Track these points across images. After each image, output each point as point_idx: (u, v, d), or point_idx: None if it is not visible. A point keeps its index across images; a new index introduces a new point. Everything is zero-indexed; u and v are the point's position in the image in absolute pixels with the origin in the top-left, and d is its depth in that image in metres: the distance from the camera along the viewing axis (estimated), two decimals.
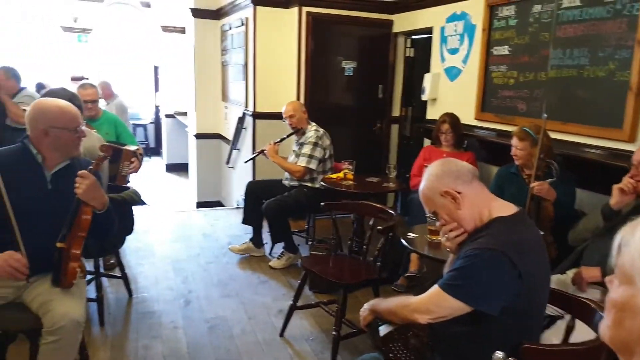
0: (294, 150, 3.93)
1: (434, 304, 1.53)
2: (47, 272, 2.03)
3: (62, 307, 1.94)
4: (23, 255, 1.91)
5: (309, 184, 3.81)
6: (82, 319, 1.97)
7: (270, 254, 4.13)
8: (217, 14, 6.10)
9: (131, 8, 9.80)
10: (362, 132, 5.20)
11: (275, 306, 3.29)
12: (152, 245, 4.35)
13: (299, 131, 3.87)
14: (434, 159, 3.57)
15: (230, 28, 5.65)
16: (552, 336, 1.98)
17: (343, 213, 3.48)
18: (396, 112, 5.24)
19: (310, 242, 3.99)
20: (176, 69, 8.45)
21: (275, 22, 4.90)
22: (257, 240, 4.11)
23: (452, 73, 4.14)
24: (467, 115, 3.85)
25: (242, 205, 5.40)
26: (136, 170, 3.79)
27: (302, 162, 3.76)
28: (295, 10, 4.75)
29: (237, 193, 5.85)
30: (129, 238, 3.22)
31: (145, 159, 5.23)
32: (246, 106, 5.27)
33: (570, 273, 2.34)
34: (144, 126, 10.06)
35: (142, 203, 3.06)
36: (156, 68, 9.97)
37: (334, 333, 2.60)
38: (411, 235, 2.57)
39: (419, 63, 4.93)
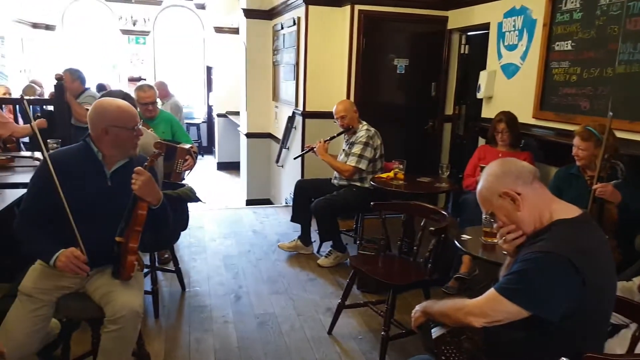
0: (343, 150, 3.91)
1: (489, 307, 1.48)
2: (107, 264, 2.12)
3: (122, 298, 2.02)
4: (82, 252, 2.00)
5: (358, 184, 3.79)
6: (140, 309, 2.04)
7: (318, 252, 4.14)
8: (269, 14, 6.18)
9: (186, 10, 10.13)
10: (414, 131, 5.13)
11: (324, 304, 3.29)
12: (204, 241, 4.46)
13: (349, 130, 3.85)
14: (489, 159, 3.48)
15: (282, 28, 5.70)
16: (616, 346, 1.88)
17: (393, 213, 3.43)
18: (449, 110, 5.13)
19: (358, 242, 3.96)
20: (228, 69, 8.64)
21: (327, 21, 4.90)
22: (305, 238, 4.13)
23: (510, 70, 4.00)
24: (525, 114, 3.70)
25: (290, 203, 5.47)
26: (190, 168, 3.91)
27: (352, 161, 3.74)
28: (347, 8, 4.74)
29: (286, 191, 5.91)
30: (182, 233, 3.31)
31: (198, 157, 5.38)
32: (296, 105, 5.30)
33: (637, 280, 2.20)
34: (197, 125, 10.33)
35: (197, 200, 3.14)
36: (209, 68, 10.22)
37: (382, 333, 2.57)
38: (465, 237, 2.50)
39: (474, 60, 4.80)
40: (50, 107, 4.79)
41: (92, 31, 10.20)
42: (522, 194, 1.50)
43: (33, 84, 6.89)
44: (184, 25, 10.45)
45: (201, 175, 7.89)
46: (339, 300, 2.91)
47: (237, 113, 7.89)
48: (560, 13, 3.45)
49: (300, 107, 5.14)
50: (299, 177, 5.11)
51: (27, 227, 2.07)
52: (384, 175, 3.68)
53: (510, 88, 4.01)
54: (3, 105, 5.17)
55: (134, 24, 9.08)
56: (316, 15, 4.90)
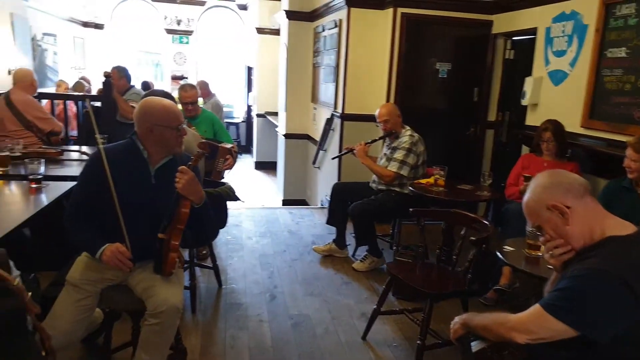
0: (385, 154, 3.88)
1: (534, 324, 1.43)
2: (149, 259, 2.17)
3: (163, 293, 2.06)
4: (128, 248, 2.06)
5: (397, 189, 3.75)
6: (180, 305, 2.09)
7: (353, 255, 4.12)
8: (311, 16, 6.20)
9: (229, 10, 10.29)
10: (455, 136, 5.04)
11: (358, 309, 3.28)
12: (241, 239, 4.51)
13: (392, 134, 3.81)
14: (533, 168, 3.39)
15: (323, 30, 5.72)
16: None
17: (431, 220, 3.38)
18: (492, 116, 5.02)
19: (394, 248, 3.92)
20: (268, 70, 8.73)
21: (369, 24, 4.88)
22: (340, 241, 4.12)
23: (557, 77, 3.88)
24: (573, 123, 3.58)
25: (326, 205, 5.47)
26: (230, 167, 3.97)
27: (394, 167, 3.70)
28: (389, 11, 4.71)
29: (321, 193, 5.92)
30: (220, 231, 3.36)
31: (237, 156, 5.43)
32: (335, 107, 5.30)
33: None
34: (237, 124, 10.49)
35: (237, 199, 3.19)
36: (249, 68, 10.36)
37: (418, 342, 2.53)
38: (507, 248, 2.43)
39: (519, 65, 4.68)
40: (98, 103, 4.95)
41: (138, 30, 10.51)
42: (572, 207, 1.45)
43: (82, 81, 7.14)
44: (226, 25, 10.64)
45: (239, 174, 7.99)
46: (374, 306, 2.88)
47: (275, 113, 7.96)
48: (614, 19, 3.32)
49: (339, 110, 5.14)
50: (336, 179, 5.11)
51: (75, 220, 2.15)
52: (424, 181, 3.63)
53: (557, 95, 3.89)
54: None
55: (178, 24, 9.30)
56: (358, 17, 4.89)
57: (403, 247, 3.86)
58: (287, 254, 4.18)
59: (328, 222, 4.19)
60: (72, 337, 2.14)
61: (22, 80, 4.22)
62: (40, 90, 4.74)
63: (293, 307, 3.27)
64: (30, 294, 1.24)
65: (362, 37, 4.91)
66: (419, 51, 4.81)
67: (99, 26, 9.61)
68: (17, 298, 1.12)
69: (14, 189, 2.94)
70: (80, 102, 5.79)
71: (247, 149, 10.38)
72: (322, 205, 5.79)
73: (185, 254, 3.15)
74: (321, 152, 5.83)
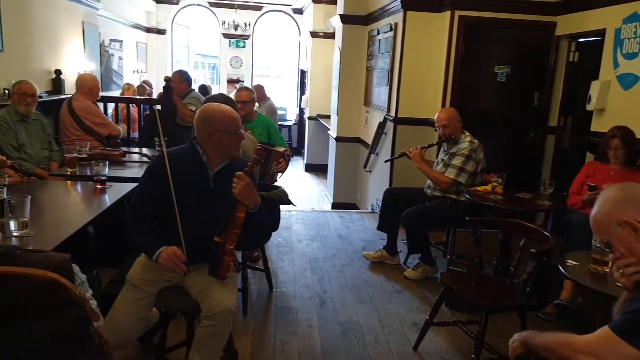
0: (442, 159, 3.78)
1: (603, 347, 1.34)
2: (204, 262, 2.22)
3: (217, 296, 2.10)
4: (183, 251, 2.10)
5: (453, 196, 3.64)
6: (234, 308, 2.12)
7: (404, 263, 4.06)
8: (366, 20, 6.18)
9: (284, 15, 10.43)
10: (514, 142, 4.86)
11: (409, 318, 3.22)
12: (291, 242, 4.55)
13: (451, 140, 3.71)
14: (598, 177, 3.21)
15: (378, 33, 5.68)
16: None
17: (488, 230, 3.27)
18: (553, 121, 4.80)
19: (448, 256, 3.82)
20: (321, 73, 8.78)
21: (425, 27, 4.80)
22: (391, 248, 4.06)
23: (627, 81, 3.65)
24: None
25: (377, 210, 5.42)
26: (283, 171, 4.00)
27: (451, 173, 3.60)
28: (447, 14, 4.61)
29: (372, 197, 5.87)
30: (272, 233, 3.40)
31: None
32: (388, 111, 5.25)
33: None
34: (289, 127, 10.60)
35: (289, 202, 3.21)
36: (303, 72, 10.45)
37: (472, 356, 2.45)
38: (571, 262, 2.31)
39: (584, 69, 4.45)
40: (158, 107, 5.14)
41: (196, 35, 10.84)
42: None
43: (144, 84, 7.45)
44: (281, 29, 10.79)
45: (290, 176, 8.07)
46: (426, 316, 2.82)
47: (327, 116, 7.99)
48: None
49: (393, 113, 5.08)
50: (387, 184, 5.06)
51: (136, 221, 2.22)
52: (481, 188, 3.50)
53: (627, 100, 3.67)
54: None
55: (236, 29, 9.52)
56: (414, 21, 4.82)
57: (457, 256, 3.76)
58: (337, 259, 4.17)
59: (379, 228, 4.13)
60: (130, 335, 2.23)
61: (82, 86, 4.44)
62: (105, 93, 4.97)
63: (343, 313, 3.25)
64: (92, 301, 1.27)
65: (418, 40, 4.84)
66: (476, 54, 4.68)
67: (161, 32, 10.00)
68: (80, 307, 1.15)
69: (80, 189, 3.09)
70: (141, 106, 6.05)
71: (298, 151, 10.47)
72: (372, 209, 5.74)
73: (238, 256, 3.21)
74: (373, 155, 5.79)
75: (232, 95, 4.34)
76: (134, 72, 8.77)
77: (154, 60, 10.01)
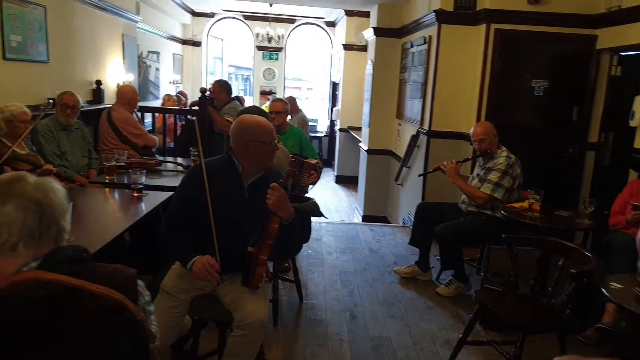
0: (477, 174, 3.71)
1: None
2: (237, 272, 2.23)
3: (250, 306, 2.11)
4: (217, 260, 2.12)
5: (488, 212, 3.56)
6: (266, 319, 2.13)
7: (437, 279, 3.99)
8: (399, 33, 6.17)
9: (317, 28, 10.53)
10: (551, 158, 4.73)
11: (442, 335, 3.15)
12: (322, 254, 4.53)
13: (487, 154, 3.65)
14: None
15: (411, 46, 5.66)
16: None
17: (525, 247, 3.18)
18: (593, 137, 4.66)
19: (482, 274, 3.73)
20: (353, 85, 8.79)
21: (459, 40, 4.76)
22: (423, 263, 4.00)
23: None
24: None
25: (408, 224, 5.36)
26: (314, 182, 4.01)
27: (487, 189, 3.52)
28: (482, 27, 4.56)
29: (404, 211, 5.81)
30: (303, 245, 3.39)
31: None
32: (421, 124, 5.21)
33: None
34: (319, 139, 10.63)
35: (321, 215, 3.21)
36: (334, 84, 10.49)
37: None
38: (614, 285, 2.22)
39: (627, 83, 4.31)
40: (194, 117, 5.24)
41: (230, 47, 11.03)
42: None
43: (179, 95, 7.62)
44: (313, 42, 10.88)
45: (320, 188, 8.08)
46: (459, 334, 2.75)
47: (358, 129, 7.98)
48: None
49: (426, 126, 5.04)
50: (419, 198, 5.00)
51: (171, 230, 2.26)
52: (518, 205, 3.42)
53: None
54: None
55: (269, 41, 9.64)
56: (448, 34, 4.78)
57: (492, 274, 3.67)
58: (368, 273, 4.13)
59: (411, 243, 4.08)
60: (164, 342, 2.24)
61: (121, 97, 4.58)
62: (142, 104, 5.10)
63: (374, 328, 3.21)
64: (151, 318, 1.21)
65: (452, 53, 4.79)
66: (512, 68, 4.60)
67: (196, 44, 10.22)
68: (141, 330, 1.07)
69: (118, 197, 3.16)
70: (176, 116, 6.18)
71: (328, 163, 10.48)
72: (404, 223, 5.68)
73: (269, 267, 3.21)
74: (405, 168, 5.74)
75: (264, 107, 4.40)
76: (170, 83, 8.98)
77: (189, 71, 10.23)
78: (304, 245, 4.19)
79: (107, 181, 3.44)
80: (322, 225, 5.35)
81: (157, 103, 7.82)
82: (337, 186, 9.11)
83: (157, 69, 8.16)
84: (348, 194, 8.54)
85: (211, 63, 11.04)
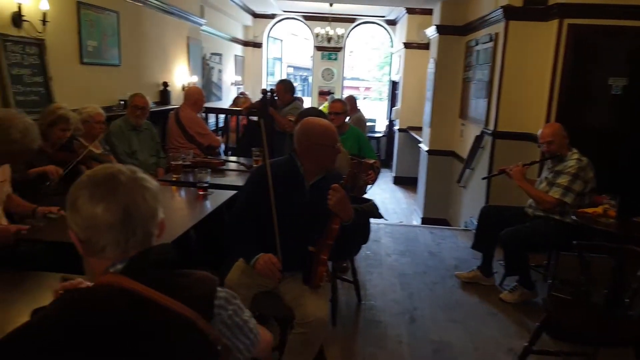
0: (546, 178, 3.54)
1: None
2: (298, 270, 2.25)
3: (310, 305, 2.13)
4: (279, 259, 2.15)
5: (557, 217, 3.38)
6: (326, 318, 2.15)
7: (500, 284, 3.84)
8: (463, 30, 6.01)
9: (376, 27, 10.45)
10: (630, 161, 4.42)
11: (505, 343, 3.03)
12: (380, 255, 4.49)
13: (556, 157, 3.47)
14: None
15: (476, 44, 5.49)
16: None
17: (596, 254, 3.00)
18: None
19: (549, 281, 3.56)
20: (414, 84, 8.66)
21: (528, 37, 4.56)
22: (486, 268, 3.87)
23: None
24: None
25: (470, 227, 5.20)
26: (372, 182, 3.97)
27: (556, 193, 3.35)
28: (554, 23, 4.34)
29: (466, 214, 5.65)
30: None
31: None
32: (486, 124, 5.04)
33: None
34: (377, 139, 10.56)
35: (380, 216, 3.18)
36: (394, 83, 10.38)
37: None
38: None
39: None
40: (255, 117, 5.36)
41: (290, 47, 11.17)
42: None
43: (241, 96, 7.81)
44: (373, 41, 10.82)
45: (378, 189, 8.02)
46: (525, 343, 2.64)
47: (418, 129, 7.84)
48: None
49: (491, 127, 4.87)
50: (483, 201, 4.84)
51: (236, 228, 2.32)
52: (590, 210, 3.23)
53: None
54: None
55: (329, 41, 9.67)
56: (517, 30, 4.59)
57: (560, 281, 3.49)
58: (428, 276, 4.05)
59: (474, 247, 3.96)
60: None
61: (188, 98, 4.75)
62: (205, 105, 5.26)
63: (434, 332, 3.14)
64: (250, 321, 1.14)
65: (520, 51, 4.60)
66: (587, 65, 4.35)
67: (257, 45, 10.44)
68: (214, 349, 1.00)
69: (184, 195, 3.28)
70: (237, 117, 6.33)
71: (386, 163, 10.38)
72: (465, 227, 5.52)
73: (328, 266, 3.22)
74: (468, 170, 5.58)
75: (322, 107, 4.42)
76: (231, 84, 9.22)
77: (250, 72, 10.47)
78: (363, 246, 4.17)
79: (174, 179, 3.58)
80: (380, 227, 5.31)
81: (220, 104, 8.06)
82: (395, 187, 9.01)
83: (220, 71, 8.40)
84: (407, 195, 8.42)
85: (270, 64, 11.24)
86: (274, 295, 2.33)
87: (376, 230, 5.13)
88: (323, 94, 10.25)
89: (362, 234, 3.30)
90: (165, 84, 5.53)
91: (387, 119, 10.98)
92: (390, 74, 10.69)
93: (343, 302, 3.47)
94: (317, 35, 9.86)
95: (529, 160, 3.74)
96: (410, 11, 8.58)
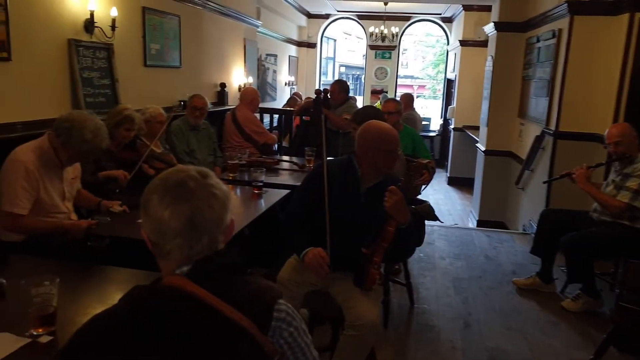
0: (613, 180, 3.35)
1: None
2: (346, 271, 2.25)
3: (362, 307, 2.12)
4: (327, 255, 2.16)
5: (626, 222, 3.19)
6: (377, 321, 2.13)
7: (562, 292, 3.67)
8: (524, 27, 5.78)
9: (431, 24, 10.26)
10: None
11: (567, 353, 2.90)
12: (434, 258, 4.41)
13: (624, 159, 3.28)
14: None
15: (537, 40, 5.28)
16: None
17: None
18: None
19: (617, 290, 3.35)
20: (470, 82, 8.45)
21: (595, 32, 4.33)
22: (546, 275, 3.70)
23: None
24: None
25: (529, 231, 5.01)
26: (426, 183, 3.91)
27: (624, 197, 3.16)
28: (624, 17, 4.09)
29: (524, 217, 5.45)
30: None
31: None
32: (547, 124, 4.83)
33: None
34: (431, 138, 10.37)
35: (436, 218, 3.12)
36: (449, 81, 10.16)
37: None
38: None
39: None
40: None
41: (342, 47, 11.17)
42: None
43: (295, 96, 7.89)
44: (427, 39, 10.63)
45: (431, 190, 7.88)
46: (589, 355, 2.54)
47: (475, 128, 7.63)
48: None
49: (552, 126, 4.66)
50: (543, 204, 4.65)
51: (291, 223, 2.36)
52: None
53: None
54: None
55: (383, 40, 9.59)
56: (582, 26, 4.38)
57: (630, 290, 3.28)
58: (484, 281, 3.93)
59: (533, 252, 3.81)
60: None
61: (244, 98, 4.85)
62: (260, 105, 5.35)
63: (489, 339, 3.05)
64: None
65: (586, 47, 4.38)
66: None
67: (311, 45, 10.52)
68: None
69: (239, 193, 3.36)
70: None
71: (441, 163, 10.18)
72: (524, 230, 5.32)
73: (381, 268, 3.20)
74: (527, 172, 5.37)
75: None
76: (285, 84, 9.34)
77: (303, 72, 10.56)
78: (416, 248, 4.11)
79: (230, 178, 3.66)
80: (434, 229, 5.21)
81: (275, 105, 8.18)
82: (449, 188, 8.82)
83: (275, 71, 8.52)
84: (462, 196, 8.22)
85: (323, 63, 11.29)
86: (327, 295, 2.34)
87: (430, 233, 5.04)
88: (375, 92, 10.18)
89: (417, 236, 3.25)
90: (223, 85, 5.67)
91: (441, 117, 10.76)
92: (445, 72, 10.48)
93: (395, 305, 3.43)
94: (371, 34, 9.79)
95: (594, 163, 3.56)
96: (467, 8, 8.38)
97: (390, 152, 2.21)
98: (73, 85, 3.27)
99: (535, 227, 3.84)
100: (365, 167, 2.26)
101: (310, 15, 10.30)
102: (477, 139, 7.04)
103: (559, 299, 3.56)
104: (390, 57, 10.27)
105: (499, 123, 6.15)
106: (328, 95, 5.28)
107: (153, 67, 4.27)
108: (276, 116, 6.47)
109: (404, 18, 10.05)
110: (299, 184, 2.68)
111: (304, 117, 5.79)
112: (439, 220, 3.34)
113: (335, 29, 10.99)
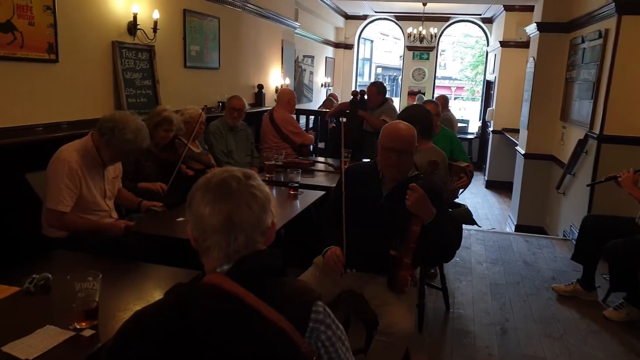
0: None
1: None
2: (379, 273, 2.25)
3: (396, 314, 2.10)
4: (343, 253, 2.19)
5: None
6: (411, 329, 2.09)
7: (604, 300, 3.54)
8: (567, 27, 5.61)
9: (471, 25, 10.08)
10: None
11: None
12: (470, 263, 4.33)
13: None
14: None
15: (582, 41, 5.11)
16: None
17: None
18: None
19: None
20: (510, 84, 8.26)
21: None
22: (587, 282, 3.58)
23: None
24: None
25: (570, 237, 4.86)
26: (464, 186, 3.84)
27: None
28: None
29: (565, 222, 5.28)
30: None
31: None
32: (591, 128, 4.67)
33: None
34: (469, 140, 10.18)
35: (473, 222, 3.07)
36: (489, 83, 9.95)
37: None
38: None
39: None
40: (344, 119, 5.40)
41: (379, 48, 11.11)
42: None
43: (331, 97, 7.91)
44: (466, 39, 10.44)
45: (469, 193, 7.74)
46: None
47: (514, 130, 7.45)
48: None
49: (597, 130, 4.51)
50: (585, 209, 4.50)
51: (324, 224, 2.40)
52: None
53: None
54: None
55: (421, 41, 9.49)
56: (631, 25, 4.21)
57: None
58: (522, 287, 3.84)
59: (574, 258, 3.68)
60: None
61: (281, 99, 4.89)
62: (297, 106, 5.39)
63: (527, 346, 2.97)
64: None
65: (634, 48, 4.23)
66: None
67: (348, 46, 10.52)
68: None
69: (276, 194, 3.39)
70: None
71: (479, 166, 10.00)
72: (564, 236, 5.16)
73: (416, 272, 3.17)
74: (568, 176, 5.21)
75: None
76: (321, 85, 9.37)
77: (340, 74, 10.57)
78: None
79: (266, 179, 3.71)
80: (471, 233, 5.11)
81: (311, 106, 8.22)
82: (487, 192, 8.64)
83: (311, 73, 8.57)
84: (500, 200, 8.04)
85: (360, 64, 11.26)
86: (361, 297, 2.33)
87: (466, 237, 4.95)
88: (412, 94, 10.08)
89: (455, 240, 3.19)
90: (260, 87, 5.74)
91: (480, 120, 10.56)
92: (484, 74, 10.27)
93: (430, 309, 3.39)
94: (409, 35, 9.70)
95: None
96: (508, 8, 8.19)
97: (386, 149, 2.19)
98: (116, 86, 3.38)
99: (577, 233, 3.72)
100: (381, 167, 2.28)
101: (347, 17, 10.30)
102: (517, 142, 6.87)
103: (600, 308, 3.44)
104: (428, 58, 10.15)
105: (539, 126, 5.99)
106: (365, 96, 5.28)
107: (193, 69, 4.37)
108: (312, 117, 6.50)
109: (442, 19, 9.91)
110: (334, 185, 2.69)
111: (340, 118, 5.79)
112: (477, 225, 3.28)
113: (373, 30, 10.94)
